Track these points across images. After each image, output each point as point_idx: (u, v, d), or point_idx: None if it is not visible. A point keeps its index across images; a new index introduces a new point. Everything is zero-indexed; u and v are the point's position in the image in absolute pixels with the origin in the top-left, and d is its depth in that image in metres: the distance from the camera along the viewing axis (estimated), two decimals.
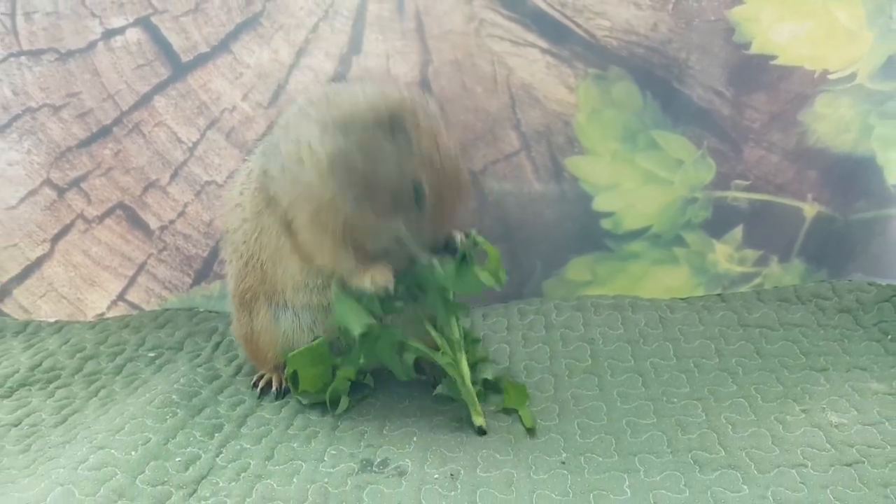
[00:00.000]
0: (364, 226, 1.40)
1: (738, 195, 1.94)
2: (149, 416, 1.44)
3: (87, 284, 2.00)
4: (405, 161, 1.36)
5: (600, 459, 1.34)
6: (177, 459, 1.33)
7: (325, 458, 1.37)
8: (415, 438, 1.43)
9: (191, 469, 1.32)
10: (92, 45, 1.90)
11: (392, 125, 1.36)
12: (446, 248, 1.44)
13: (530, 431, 1.44)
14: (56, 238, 1.99)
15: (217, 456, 1.36)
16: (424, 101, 1.43)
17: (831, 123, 1.90)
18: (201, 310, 1.99)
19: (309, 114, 1.43)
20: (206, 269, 2.00)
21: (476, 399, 1.47)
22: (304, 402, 1.54)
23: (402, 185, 1.36)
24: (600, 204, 1.95)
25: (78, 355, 1.76)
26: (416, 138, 1.36)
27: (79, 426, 1.46)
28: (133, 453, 1.32)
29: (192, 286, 2.01)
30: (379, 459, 1.36)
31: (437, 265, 1.41)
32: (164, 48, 1.90)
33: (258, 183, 1.51)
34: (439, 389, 1.52)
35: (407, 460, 1.35)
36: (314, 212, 1.41)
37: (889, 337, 1.71)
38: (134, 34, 1.89)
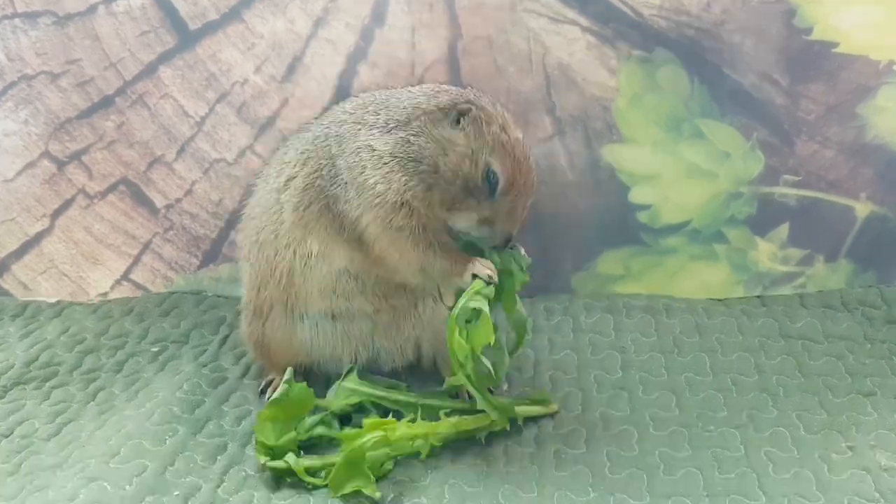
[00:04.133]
0: (436, 223, 1.36)
1: (787, 191, 1.80)
2: (147, 435, 1.36)
3: (90, 263, 1.90)
4: (475, 145, 1.32)
5: (631, 502, 1.25)
6: (175, 493, 1.24)
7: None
8: (430, 471, 1.33)
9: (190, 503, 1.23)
10: (92, 9, 1.76)
11: (457, 111, 1.34)
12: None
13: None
14: (56, 213, 1.88)
15: (219, 486, 1.28)
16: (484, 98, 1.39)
17: (893, 118, 1.74)
18: (209, 294, 1.89)
19: (365, 119, 1.39)
20: (214, 251, 1.89)
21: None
22: None
23: (473, 170, 1.32)
24: (637, 196, 1.82)
25: (77, 348, 1.67)
26: (485, 123, 1.32)
27: (73, 443, 1.38)
28: (128, 487, 1.24)
29: (199, 268, 1.91)
30: (392, 495, 1.27)
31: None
32: (171, 14, 1.76)
33: (307, 197, 1.42)
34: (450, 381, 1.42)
35: (423, 497, 1.26)
36: (386, 217, 1.34)
37: None
38: None
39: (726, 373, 1.58)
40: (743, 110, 1.76)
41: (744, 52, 1.73)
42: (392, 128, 1.35)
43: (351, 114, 1.43)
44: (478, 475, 1.32)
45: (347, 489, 1.25)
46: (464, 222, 1.36)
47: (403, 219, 1.34)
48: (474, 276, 1.32)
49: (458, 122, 1.33)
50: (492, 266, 1.34)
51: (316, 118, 1.54)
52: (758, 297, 1.84)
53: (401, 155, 1.33)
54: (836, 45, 1.71)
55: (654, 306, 1.79)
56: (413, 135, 1.33)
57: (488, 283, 1.32)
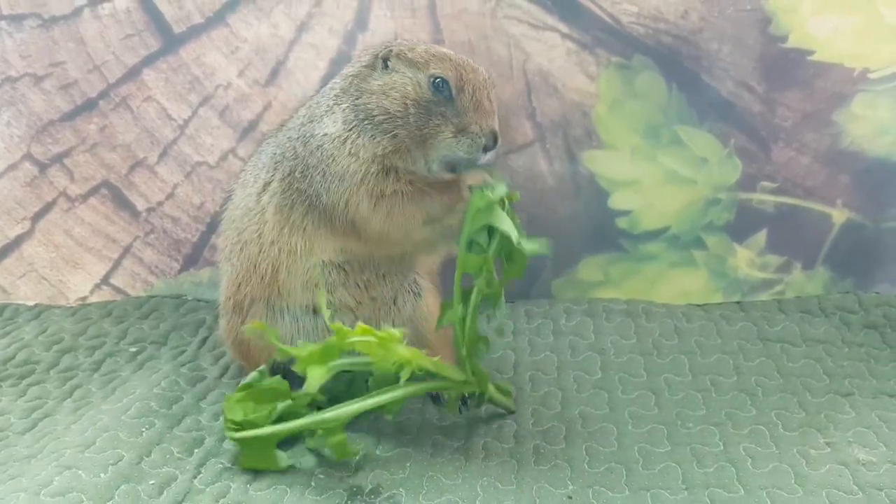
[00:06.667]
0: (420, 173, 1.37)
1: (764, 198, 1.82)
2: (123, 427, 1.34)
3: (70, 266, 1.89)
4: (409, 72, 1.36)
5: (610, 494, 1.24)
6: (150, 482, 1.23)
7: (313, 483, 1.26)
8: (409, 463, 1.32)
9: (165, 493, 1.21)
10: (77, 12, 1.77)
11: (380, 59, 1.39)
12: None
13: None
14: (37, 216, 1.87)
15: (195, 477, 1.26)
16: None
17: (868, 125, 1.77)
18: (189, 298, 1.88)
19: (314, 113, 1.43)
20: (195, 255, 1.89)
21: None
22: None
23: (419, 90, 1.35)
24: (617, 201, 1.83)
25: (55, 347, 1.66)
26: (409, 51, 1.38)
27: (48, 435, 1.36)
28: (102, 475, 1.22)
29: (180, 272, 1.90)
30: (370, 487, 1.26)
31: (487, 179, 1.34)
32: (155, 18, 1.77)
33: (288, 200, 1.43)
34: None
35: (401, 489, 1.25)
36: (374, 189, 1.36)
37: None
38: (123, 1, 1.75)
39: (705, 374, 1.58)
40: (720, 117, 1.78)
41: (721, 60, 1.75)
42: (333, 105, 1.40)
43: (304, 115, 1.46)
44: (456, 468, 1.31)
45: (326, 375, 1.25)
46: (445, 148, 1.35)
47: (392, 185, 1.36)
48: (472, 190, 1.32)
49: (385, 67, 1.38)
50: (480, 172, 1.34)
51: (282, 123, 1.55)
52: (736, 302, 1.85)
53: (353, 122, 1.36)
54: (811, 52, 1.74)
55: (634, 310, 1.79)
56: (354, 99, 1.37)
57: (483, 191, 1.30)
